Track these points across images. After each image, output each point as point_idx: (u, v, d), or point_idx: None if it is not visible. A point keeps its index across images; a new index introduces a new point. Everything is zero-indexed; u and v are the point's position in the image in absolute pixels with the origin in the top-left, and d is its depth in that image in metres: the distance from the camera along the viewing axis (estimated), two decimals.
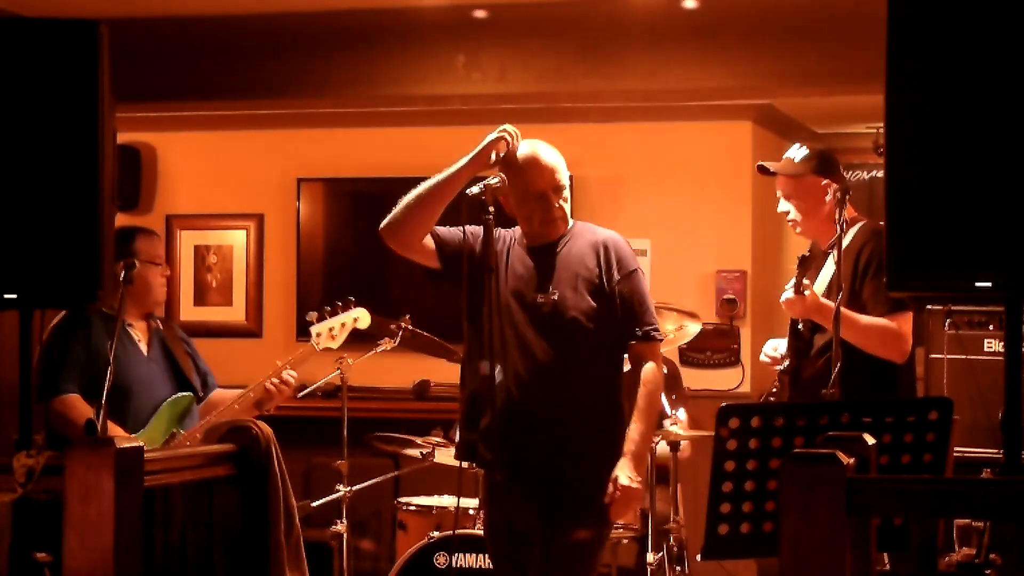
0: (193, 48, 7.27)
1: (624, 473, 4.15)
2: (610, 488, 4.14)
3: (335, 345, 5.11)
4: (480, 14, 6.85)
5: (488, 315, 4.12)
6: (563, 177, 4.30)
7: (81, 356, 4.74)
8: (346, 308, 5.14)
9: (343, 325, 5.11)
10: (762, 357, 4.96)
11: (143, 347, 4.91)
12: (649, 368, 4.26)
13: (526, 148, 4.29)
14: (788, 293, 4.59)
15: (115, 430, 4.58)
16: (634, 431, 4.20)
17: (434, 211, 4.25)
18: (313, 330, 5.07)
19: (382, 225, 4.29)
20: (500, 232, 4.36)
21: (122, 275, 4.56)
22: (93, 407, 4.63)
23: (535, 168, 4.26)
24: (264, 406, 4.90)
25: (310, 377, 5.71)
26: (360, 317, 5.17)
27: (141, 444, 3.02)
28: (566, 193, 4.32)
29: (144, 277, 4.89)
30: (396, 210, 4.27)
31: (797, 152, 4.78)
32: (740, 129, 7.60)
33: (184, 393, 4.87)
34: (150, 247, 5.00)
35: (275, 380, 4.86)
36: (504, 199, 4.30)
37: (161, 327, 5.02)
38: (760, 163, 4.87)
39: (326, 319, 5.08)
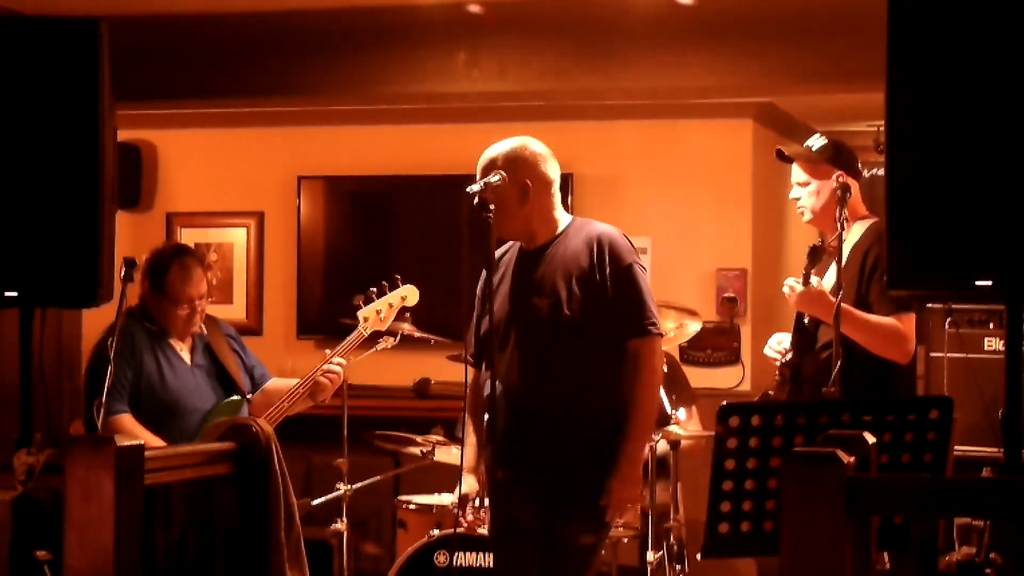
0: (193, 47, 7.26)
1: (617, 475, 4.14)
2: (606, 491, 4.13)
3: (384, 327, 4.97)
4: (479, 12, 6.84)
5: (489, 315, 4.10)
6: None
7: (128, 372, 4.66)
8: (393, 287, 4.97)
9: (391, 306, 4.96)
10: (766, 351, 4.95)
11: (186, 356, 4.81)
12: (645, 365, 4.17)
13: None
14: (794, 285, 4.58)
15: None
16: (628, 431, 4.16)
17: None
18: (360, 314, 4.92)
19: None
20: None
21: (122, 273, 4.54)
22: (141, 422, 4.63)
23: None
24: (318, 397, 4.84)
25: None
26: (408, 295, 5.00)
27: (141, 443, 3.01)
28: (555, 194, 4.27)
29: (166, 312, 4.75)
30: None
31: (816, 141, 4.81)
32: (741, 127, 7.59)
33: (231, 398, 4.79)
34: (182, 285, 4.73)
35: (325, 370, 4.79)
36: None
37: (204, 330, 4.88)
38: (779, 147, 4.88)
39: (373, 301, 4.94)
